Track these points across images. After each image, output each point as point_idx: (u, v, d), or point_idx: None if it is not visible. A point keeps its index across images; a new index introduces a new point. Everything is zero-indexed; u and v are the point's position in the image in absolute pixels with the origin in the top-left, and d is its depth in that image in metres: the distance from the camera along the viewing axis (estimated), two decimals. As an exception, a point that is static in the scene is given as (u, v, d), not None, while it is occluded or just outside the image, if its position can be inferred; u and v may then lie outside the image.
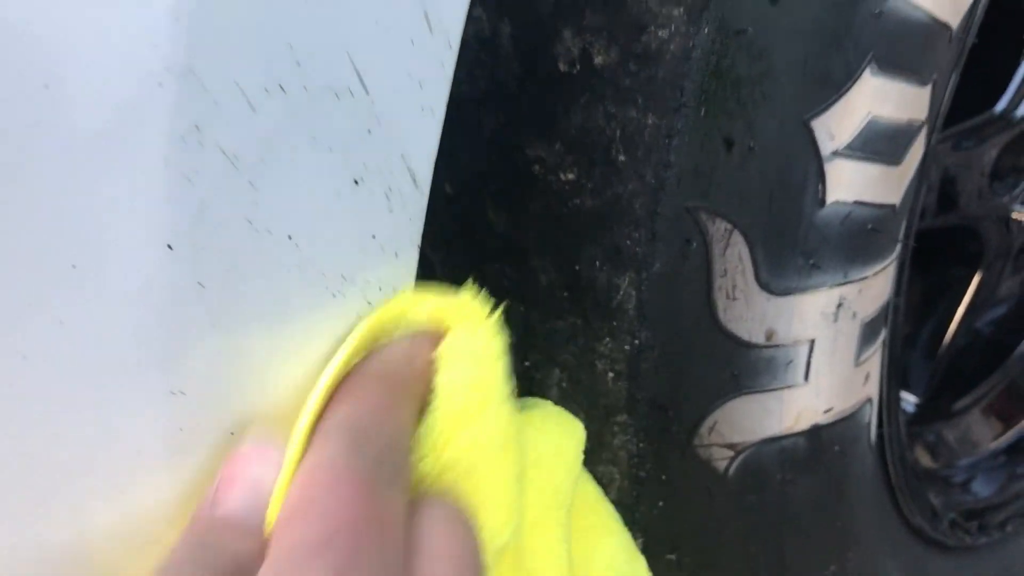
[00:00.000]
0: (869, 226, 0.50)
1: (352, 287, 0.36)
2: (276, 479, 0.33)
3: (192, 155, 0.31)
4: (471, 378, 0.36)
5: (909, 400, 0.89)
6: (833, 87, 0.46)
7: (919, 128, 0.50)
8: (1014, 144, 0.76)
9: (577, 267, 0.48)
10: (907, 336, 0.91)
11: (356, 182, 0.35)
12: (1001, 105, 0.74)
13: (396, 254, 0.37)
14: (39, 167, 0.28)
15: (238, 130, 0.31)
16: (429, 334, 0.37)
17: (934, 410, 0.92)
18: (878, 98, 0.47)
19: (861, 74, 0.46)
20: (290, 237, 0.34)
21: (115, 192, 0.30)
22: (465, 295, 0.38)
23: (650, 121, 0.45)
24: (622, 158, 0.46)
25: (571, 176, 0.47)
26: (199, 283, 0.31)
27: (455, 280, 0.39)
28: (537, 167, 0.48)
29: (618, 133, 0.46)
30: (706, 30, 0.43)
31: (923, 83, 0.49)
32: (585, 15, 0.46)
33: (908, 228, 0.56)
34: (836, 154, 0.47)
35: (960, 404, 0.94)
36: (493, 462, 0.36)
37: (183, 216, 0.31)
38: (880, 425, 0.62)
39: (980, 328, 0.92)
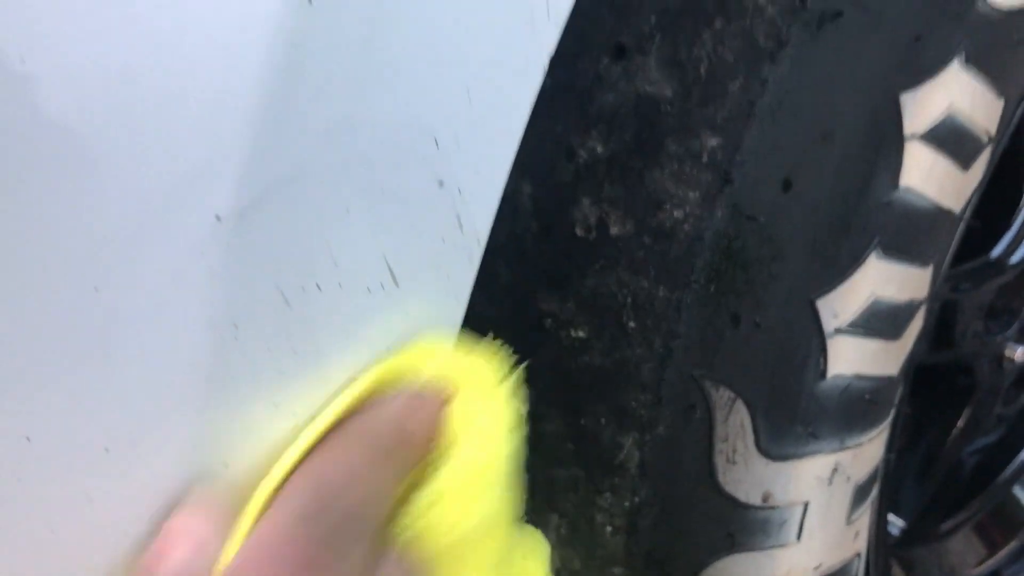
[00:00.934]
0: (867, 396, 0.51)
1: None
2: (220, 539, 0.32)
3: (228, 347, 0.32)
4: (479, 454, 0.35)
5: (896, 523, 0.91)
6: (839, 270, 0.48)
7: (919, 305, 0.52)
8: (1008, 287, 0.78)
9: (583, 421, 0.50)
10: (897, 462, 0.93)
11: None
12: (997, 251, 0.77)
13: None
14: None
15: (272, 325, 0.33)
16: (433, 393, 0.35)
17: (920, 533, 0.93)
18: (881, 280, 0.49)
19: (867, 258, 0.48)
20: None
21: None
22: (481, 352, 0.37)
23: (661, 293, 0.47)
24: (632, 324, 0.47)
25: (581, 334, 0.49)
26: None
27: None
28: (549, 321, 0.50)
29: (629, 300, 0.47)
30: (719, 213, 0.45)
31: (924, 265, 0.51)
32: (604, 187, 0.48)
33: (904, 390, 0.57)
34: (838, 331, 0.48)
35: (945, 526, 0.95)
36: (480, 548, 0.35)
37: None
38: (867, 572, 0.63)
39: (966, 457, 0.93)
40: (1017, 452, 0.98)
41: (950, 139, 0.48)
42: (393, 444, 0.34)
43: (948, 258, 0.54)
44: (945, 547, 0.94)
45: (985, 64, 0.48)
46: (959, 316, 0.78)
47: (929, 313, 0.68)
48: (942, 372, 0.85)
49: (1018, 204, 0.77)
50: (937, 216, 0.50)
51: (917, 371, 0.83)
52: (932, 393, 0.88)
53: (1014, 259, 0.77)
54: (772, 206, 0.46)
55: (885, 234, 0.48)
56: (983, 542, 0.97)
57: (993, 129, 0.50)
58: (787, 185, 0.46)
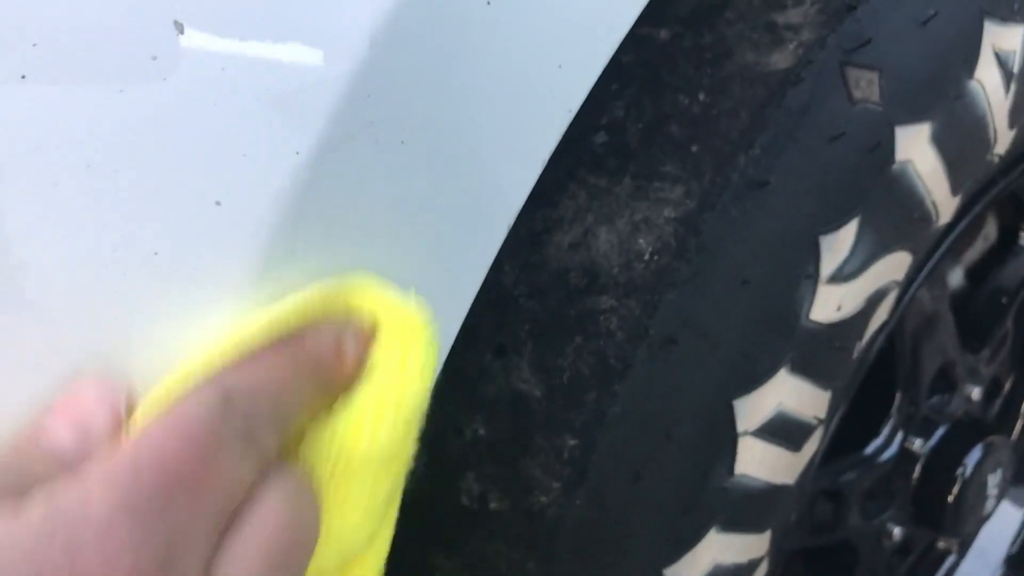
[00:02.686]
0: None
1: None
2: (112, 418, 0.33)
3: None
4: (390, 389, 0.36)
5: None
6: (684, 544, 0.55)
7: (759, 562, 0.60)
8: (882, 481, 0.87)
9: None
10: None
11: None
12: (869, 449, 0.85)
13: None
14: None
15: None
16: (357, 327, 0.37)
17: None
18: (722, 550, 0.57)
19: (707, 533, 0.56)
20: None
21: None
22: (404, 300, 0.38)
23: (530, 566, 0.54)
24: (506, 590, 0.55)
25: (465, 591, 0.57)
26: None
27: None
28: (438, 574, 0.58)
29: (504, 569, 0.55)
30: (578, 503, 0.53)
31: (762, 531, 0.59)
32: (485, 465, 0.56)
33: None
34: None
35: None
36: (373, 480, 0.36)
37: None
38: None
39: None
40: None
41: (780, 431, 0.56)
42: (314, 366, 0.35)
43: (785, 525, 0.62)
44: None
45: (810, 368, 0.56)
46: (841, 502, 0.86)
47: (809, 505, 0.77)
48: (826, 552, 0.93)
49: (887, 411, 0.85)
50: (772, 492, 0.58)
51: (804, 552, 0.91)
52: (818, 569, 0.95)
53: (884, 457, 0.85)
54: (623, 496, 0.53)
55: (724, 512, 0.56)
56: None
57: (822, 414, 0.59)
58: (636, 478, 0.54)
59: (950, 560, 1.12)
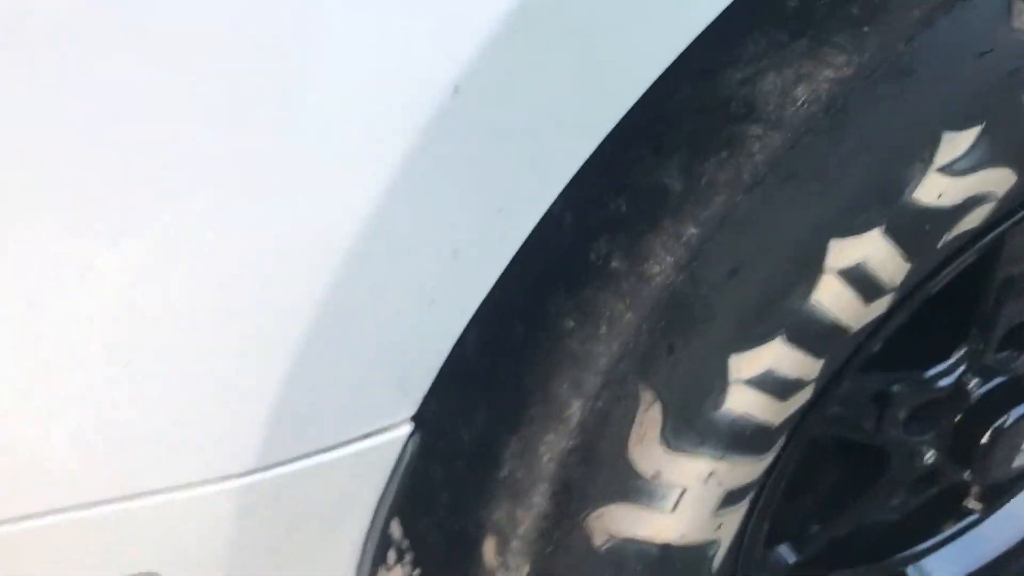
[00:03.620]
0: (747, 432, 0.73)
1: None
2: None
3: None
4: None
5: (790, 557, 1.11)
6: (752, 341, 0.69)
7: (808, 383, 0.73)
8: (930, 404, 0.98)
9: (551, 382, 0.72)
10: (811, 510, 1.13)
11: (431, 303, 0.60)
12: (930, 372, 0.96)
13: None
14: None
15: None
16: None
17: (813, 570, 1.13)
18: (780, 357, 0.70)
19: (774, 339, 0.69)
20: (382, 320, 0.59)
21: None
22: None
23: (628, 316, 0.69)
24: (603, 329, 0.69)
25: (571, 324, 0.71)
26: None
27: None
28: (553, 310, 0.72)
29: (607, 313, 0.70)
30: (681, 278, 0.67)
31: (818, 357, 0.72)
32: (618, 234, 0.70)
33: (790, 440, 0.78)
34: (738, 381, 0.70)
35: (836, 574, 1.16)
36: None
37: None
38: (730, 561, 0.85)
39: (864, 527, 1.13)
40: (915, 541, 1.18)
41: (858, 280, 0.69)
42: None
43: (848, 360, 0.75)
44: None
45: (901, 237, 0.68)
46: (888, 410, 0.98)
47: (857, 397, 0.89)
48: (862, 449, 1.05)
49: (963, 338, 0.95)
50: (835, 328, 0.70)
51: (842, 441, 1.03)
52: (851, 461, 1.07)
53: (940, 384, 0.96)
54: (717, 284, 0.67)
55: (791, 327, 0.69)
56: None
57: (898, 281, 0.71)
58: (733, 273, 0.67)
59: (971, 518, 1.22)
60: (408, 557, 1.41)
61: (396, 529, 1.45)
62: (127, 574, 0.66)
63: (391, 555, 1.45)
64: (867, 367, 0.84)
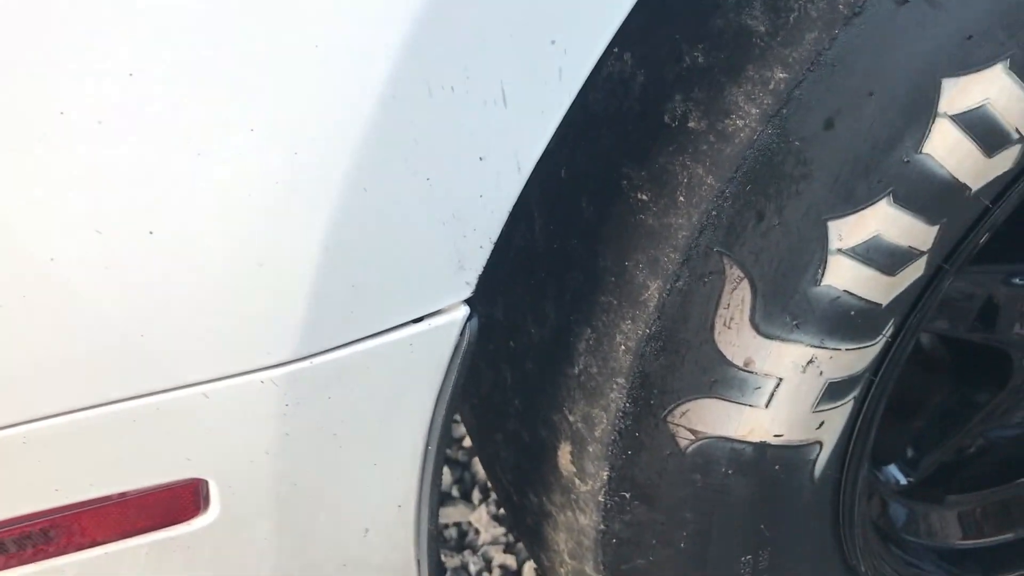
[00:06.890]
0: (852, 312, 0.64)
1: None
2: None
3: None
4: None
5: (900, 477, 1.02)
6: (854, 202, 0.60)
7: (920, 255, 0.63)
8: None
9: (626, 263, 0.65)
10: (924, 427, 1.04)
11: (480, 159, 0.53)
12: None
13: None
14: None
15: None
16: None
17: (925, 492, 1.04)
18: (888, 222, 0.61)
19: (879, 200, 0.60)
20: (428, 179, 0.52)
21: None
22: None
23: (709, 181, 0.60)
24: (681, 199, 0.61)
25: (644, 197, 0.64)
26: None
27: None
28: (625, 183, 0.65)
29: (685, 180, 0.61)
30: (769, 131, 0.58)
31: (931, 223, 0.62)
32: (694, 89, 0.61)
33: (900, 328, 0.69)
34: (840, 251, 0.61)
35: (951, 499, 1.06)
36: None
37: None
38: (834, 469, 0.76)
39: (987, 443, 1.03)
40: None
41: (979, 126, 0.59)
42: None
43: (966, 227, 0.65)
44: (940, 515, 1.04)
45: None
46: (1005, 307, 0.88)
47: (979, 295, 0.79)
48: (984, 352, 0.94)
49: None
50: (951, 186, 0.61)
51: (961, 345, 0.93)
52: (972, 369, 0.97)
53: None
54: (812, 136, 0.58)
55: (900, 186, 0.60)
56: (973, 528, 1.06)
57: (1024, 130, 0.61)
58: (829, 124, 0.58)
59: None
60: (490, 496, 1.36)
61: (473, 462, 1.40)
62: (170, 479, 0.61)
63: (475, 494, 1.40)
64: (986, 256, 0.74)
